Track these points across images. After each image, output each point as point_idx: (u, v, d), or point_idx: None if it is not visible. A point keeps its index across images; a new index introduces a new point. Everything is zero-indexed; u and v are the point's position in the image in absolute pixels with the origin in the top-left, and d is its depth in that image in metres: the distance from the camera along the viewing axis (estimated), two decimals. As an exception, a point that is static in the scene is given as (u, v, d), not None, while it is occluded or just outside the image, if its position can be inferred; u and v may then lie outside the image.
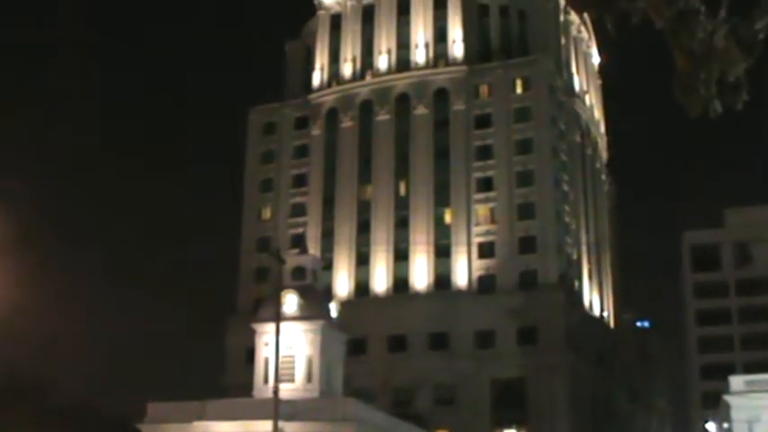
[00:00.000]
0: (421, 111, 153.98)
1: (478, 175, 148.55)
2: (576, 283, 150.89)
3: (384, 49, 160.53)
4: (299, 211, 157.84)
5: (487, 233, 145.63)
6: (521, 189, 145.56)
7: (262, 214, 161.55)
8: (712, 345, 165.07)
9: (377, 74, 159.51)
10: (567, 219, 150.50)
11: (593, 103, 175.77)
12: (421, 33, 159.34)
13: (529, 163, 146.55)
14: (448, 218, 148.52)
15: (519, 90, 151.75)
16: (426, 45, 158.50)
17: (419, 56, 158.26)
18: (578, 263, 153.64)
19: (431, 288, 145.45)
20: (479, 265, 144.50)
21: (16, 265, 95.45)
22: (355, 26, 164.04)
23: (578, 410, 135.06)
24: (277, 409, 72.15)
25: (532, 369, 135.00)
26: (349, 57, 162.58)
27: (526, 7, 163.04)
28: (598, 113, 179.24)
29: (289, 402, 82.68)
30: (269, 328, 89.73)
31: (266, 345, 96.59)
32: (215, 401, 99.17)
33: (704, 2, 10.87)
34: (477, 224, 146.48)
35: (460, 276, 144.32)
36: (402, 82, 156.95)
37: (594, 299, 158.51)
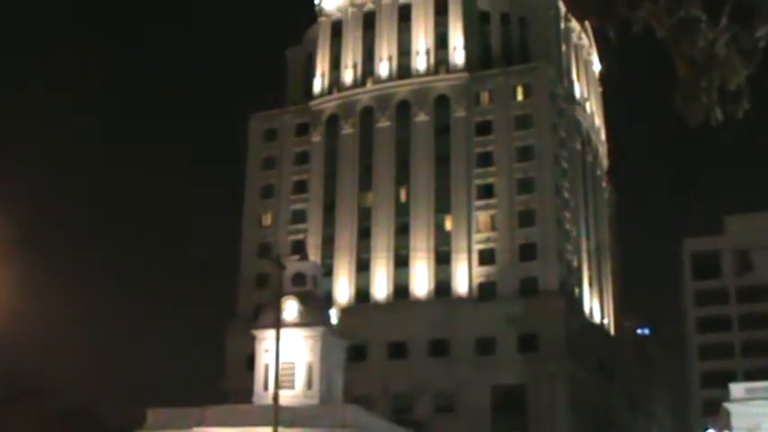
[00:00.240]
0: (422, 117, 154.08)
1: (479, 181, 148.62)
2: (577, 291, 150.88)
3: (385, 55, 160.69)
4: (300, 217, 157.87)
5: (488, 240, 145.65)
6: (521, 196, 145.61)
7: (262, 220, 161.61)
8: (713, 352, 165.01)
9: (378, 80, 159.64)
10: (567, 226, 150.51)
11: (593, 110, 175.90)
12: (422, 40, 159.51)
13: (529, 170, 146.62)
14: (448, 225, 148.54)
15: (520, 97, 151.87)
16: (427, 52, 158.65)
17: (420, 63, 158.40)
18: (579, 270, 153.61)
19: (431, 295, 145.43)
20: (480, 272, 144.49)
21: (16, 268, 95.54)
22: (356, 33, 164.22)
23: (578, 417, 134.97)
24: (277, 416, 72.10)
25: (533, 376, 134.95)
26: (350, 63, 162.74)
27: (527, 14, 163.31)
28: (599, 121, 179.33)
29: (289, 409, 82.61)
30: (269, 334, 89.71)
31: (266, 351, 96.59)
32: (214, 408, 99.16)
33: (705, 10, 10.88)
34: (478, 231, 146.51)
35: (461, 283, 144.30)
36: (403, 89, 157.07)
37: (595, 306, 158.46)
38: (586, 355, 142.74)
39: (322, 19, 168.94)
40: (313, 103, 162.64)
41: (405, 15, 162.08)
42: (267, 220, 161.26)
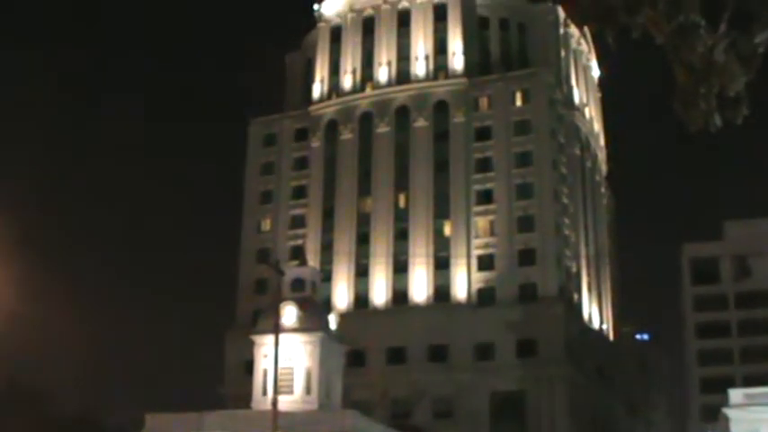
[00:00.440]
0: (421, 123, 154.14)
1: (478, 187, 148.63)
2: (576, 296, 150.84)
3: (384, 61, 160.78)
4: (299, 222, 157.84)
5: (487, 246, 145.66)
6: (520, 202, 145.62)
7: (261, 226, 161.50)
8: (712, 358, 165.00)
9: (377, 86, 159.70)
10: (566, 231, 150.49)
11: (592, 115, 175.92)
12: (421, 46, 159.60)
13: (528, 176, 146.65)
14: (447, 230, 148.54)
15: (519, 103, 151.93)
16: (426, 57, 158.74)
17: (419, 68, 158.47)
18: (578, 275, 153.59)
19: (430, 300, 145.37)
20: (479, 278, 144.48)
21: (15, 270, 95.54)
22: (355, 38, 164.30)
23: (577, 423, 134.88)
24: (276, 421, 72.07)
25: (532, 382, 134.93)
26: (349, 69, 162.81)
27: (526, 20, 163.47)
28: (598, 126, 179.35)
29: (287, 414, 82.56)
30: (268, 339, 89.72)
31: (265, 356, 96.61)
32: (213, 413, 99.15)
33: (704, 16, 10.90)
34: (477, 236, 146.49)
35: (460, 289, 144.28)
36: (402, 94, 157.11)
37: (594, 311, 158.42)
38: (585, 360, 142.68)
39: (321, 24, 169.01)
40: (312, 108, 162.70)
41: (404, 21, 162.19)
42: (266, 225, 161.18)
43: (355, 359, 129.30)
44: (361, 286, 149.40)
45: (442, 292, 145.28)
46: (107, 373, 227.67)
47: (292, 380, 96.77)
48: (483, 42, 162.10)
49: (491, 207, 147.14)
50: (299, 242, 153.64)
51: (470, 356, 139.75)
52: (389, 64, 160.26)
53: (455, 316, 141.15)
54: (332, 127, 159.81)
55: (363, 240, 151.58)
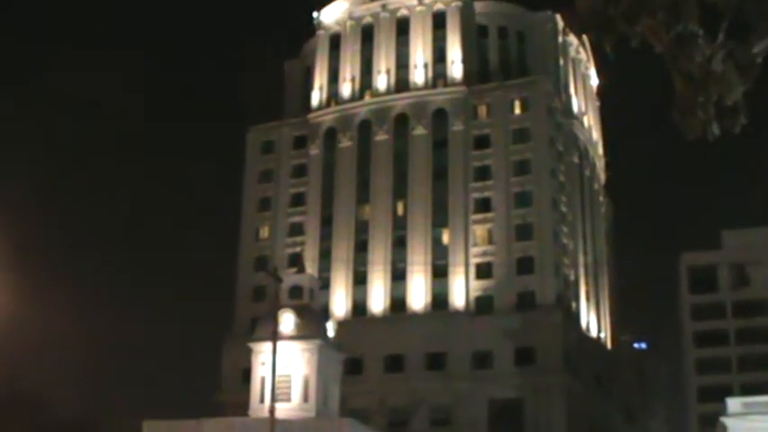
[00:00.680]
0: (419, 131, 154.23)
1: (476, 195, 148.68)
2: (574, 304, 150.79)
3: (383, 69, 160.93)
4: (297, 230, 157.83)
5: (485, 254, 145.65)
6: (519, 210, 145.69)
7: (259, 233, 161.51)
8: (710, 366, 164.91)
9: (375, 94, 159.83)
10: (564, 240, 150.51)
11: (591, 124, 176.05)
12: (420, 54, 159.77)
13: (527, 184, 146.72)
14: (446, 238, 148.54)
15: (517, 111, 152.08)
16: (425, 65, 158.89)
17: (418, 76, 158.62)
18: (576, 284, 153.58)
19: (428, 308, 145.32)
20: (477, 286, 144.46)
21: (14, 275, 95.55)
22: (354, 46, 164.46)
23: (575, 431, 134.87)
24: (273, 429, 72.04)
25: (530, 390, 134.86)
26: (348, 76, 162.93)
27: (525, 28, 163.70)
28: (596, 135, 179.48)
29: (285, 422, 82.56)
30: (266, 347, 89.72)
31: (263, 364, 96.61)
32: (211, 420, 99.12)
33: (703, 26, 10.94)
34: (475, 245, 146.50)
35: (458, 297, 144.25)
36: (401, 102, 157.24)
37: (592, 320, 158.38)
38: (583, 368, 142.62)
39: (320, 32, 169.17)
40: (311, 115, 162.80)
41: (403, 29, 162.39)
42: (264, 232, 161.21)
43: (353, 367, 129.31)
44: (360, 294, 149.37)
45: (440, 300, 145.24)
46: (105, 378, 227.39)
47: (290, 387, 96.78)
48: (482, 50, 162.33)
49: (489, 215, 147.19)
50: (298, 249, 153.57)
51: (468, 365, 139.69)
52: (388, 72, 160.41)
53: (453, 324, 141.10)
54: (331, 134, 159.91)
55: (362, 248, 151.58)
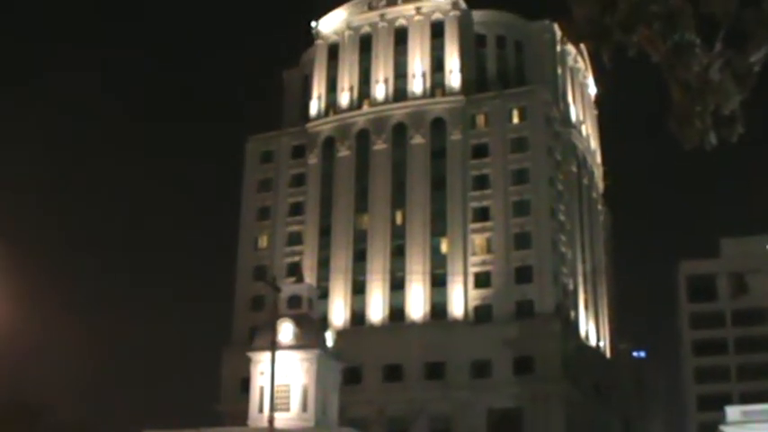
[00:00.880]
0: (418, 140, 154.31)
1: (475, 204, 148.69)
2: (573, 313, 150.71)
3: (381, 78, 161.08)
4: (296, 239, 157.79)
5: (484, 263, 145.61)
6: (517, 219, 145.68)
7: (258, 242, 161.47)
8: (709, 375, 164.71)
9: (374, 103, 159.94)
10: (563, 249, 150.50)
11: (589, 133, 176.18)
12: (418, 63, 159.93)
13: (525, 193, 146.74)
14: (444, 247, 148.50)
15: (515, 120, 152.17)
16: (423, 75, 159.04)
17: (416, 85, 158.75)
18: (574, 293, 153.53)
19: (427, 317, 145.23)
20: (475, 295, 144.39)
21: (14, 283, 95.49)
22: (353, 56, 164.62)
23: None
24: (272, 439, 71.95)
25: (529, 399, 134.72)
26: (346, 86, 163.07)
27: (523, 38, 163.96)
28: (594, 144, 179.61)
29: (284, 431, 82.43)
30: (264, 356, 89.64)
31: (261, 373, 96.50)
32: (209, 429, 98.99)
33: (699, 35, 10.96)
34: (474, 254, 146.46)
35: (456, 306, 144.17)
36: (399, 111, 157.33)
37: (591, 329, 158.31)
38: (582, 377, 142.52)
39: (319, 42, 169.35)
40: (309, 125, 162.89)
41: (401, 38, 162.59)
42: (263, 242, 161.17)
43: (352, 376, 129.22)
44: (358, 303, 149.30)
45: (438, 309, 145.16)
46: (105, 385, 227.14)
47: (289, 397, 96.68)
48: (480, 60, 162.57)
49: (488, 224, 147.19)
50: (296, 259, 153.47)
51: (467, 374, 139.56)
52: (386, 81, 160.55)
53: (452, 333, 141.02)
54: (329, 144, 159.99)
55: (360, 257, 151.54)
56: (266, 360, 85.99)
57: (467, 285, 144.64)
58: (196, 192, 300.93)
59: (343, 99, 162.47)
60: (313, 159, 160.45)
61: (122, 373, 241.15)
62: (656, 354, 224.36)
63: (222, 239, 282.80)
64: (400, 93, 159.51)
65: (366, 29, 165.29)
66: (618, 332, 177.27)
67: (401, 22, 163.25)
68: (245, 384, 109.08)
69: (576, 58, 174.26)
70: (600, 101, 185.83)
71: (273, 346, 76.69)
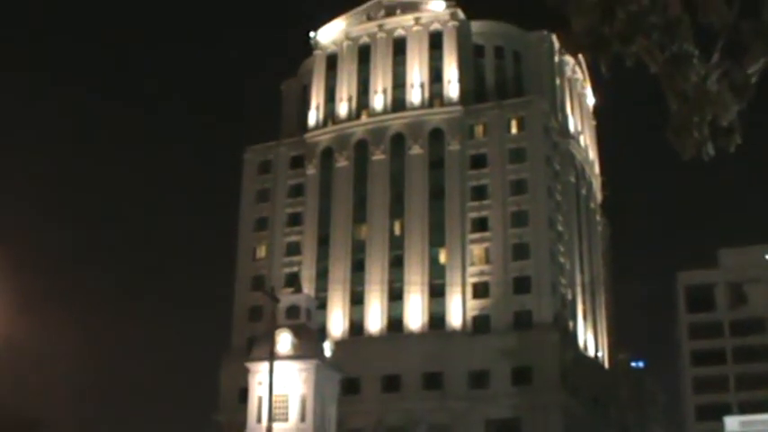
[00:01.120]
0: (416, 150, 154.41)
1: (473, 215, 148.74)
2: (571, 324, 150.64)
3: (380, 88, 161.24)
4: (294, 249, 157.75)
5: (482, 273, 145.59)
6: (515, 229, 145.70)
7: (256, 253, 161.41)
8: (707, 385, 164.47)
9: (372, 113, 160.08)
10: (561, 259, 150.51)
11: (587, 143, 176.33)
12: (416, 73, 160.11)
13: (523, 203, 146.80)
14: (442, 258, 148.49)
15: (514, 130, 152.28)
16: (422, 85, 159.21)
17: (414, 96, 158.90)
18: (573, 303, 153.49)
19: (425, 328, 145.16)
20: (474, 305, 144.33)
21: (11, 295, 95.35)
22: (351, 66, 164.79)
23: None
24: (270, 449, 71.83)
25: (527, 409, 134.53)
26: (345, 96, 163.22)
27: (521, 48, 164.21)
28: (593, 154, 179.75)
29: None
30: (262, 366, 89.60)
31: (260, 384, 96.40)
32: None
33: (697, 46, 10.98)
34: (472, 264, 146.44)
35: (455, 316, 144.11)
36: (397, 122, 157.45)
37: (589, 339, 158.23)
38: (581, 388, 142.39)
39: (317, 52, 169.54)
40: (308, 135, 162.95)
41: (399, 49, 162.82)
42: (261, 252, 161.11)
43: (350, 387, 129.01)
44: (356, 313, 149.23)
45: (436, 319, 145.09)
46: (104, 395, 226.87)
47: (287, 407, 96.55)
48: (478, 70, 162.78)
49: (486, 234, 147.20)
50: (295, 269, 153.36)
51: (465, 384, 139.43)
52: (385, 91, 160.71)
53: (450, 343, 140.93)
54: (327, 154, 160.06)
55: (358, 268, 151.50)
56: (264, 370, 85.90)
57: (465, 296, 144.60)
58: (194, 202, 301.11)
59: (342, 109, 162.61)
60: (311, 170, 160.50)
61: (121, 383, 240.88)
62: (655, 364, 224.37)
63: (220, 249, 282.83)
64: (399, 103, 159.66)
65: (365, 39, 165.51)
66: (616, 342, 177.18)
67: (400, 32, 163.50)
68: (243, 394, 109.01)
69: (575, 69, 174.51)
70: (598, 111, 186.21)
71: (272, 356, 76.64)
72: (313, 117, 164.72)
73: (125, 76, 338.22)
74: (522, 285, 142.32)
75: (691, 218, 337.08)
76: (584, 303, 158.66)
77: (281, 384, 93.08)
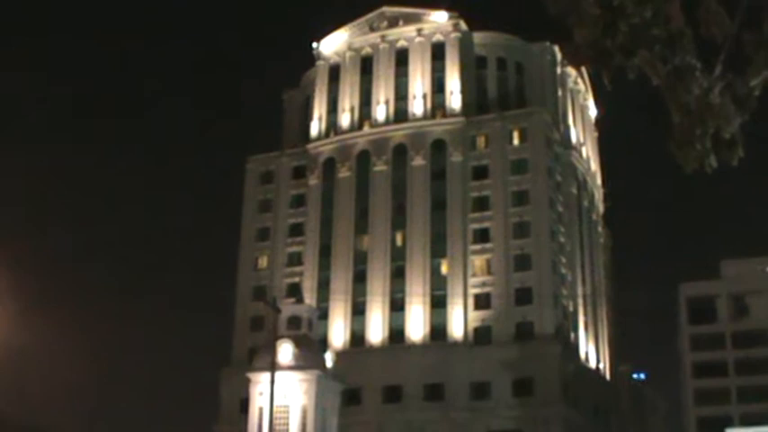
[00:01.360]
0: (418, 161, 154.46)
1: (475, 226, 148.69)
2: (572, 335, 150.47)
3: (382, 99, 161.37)
4: (296, 260, 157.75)
5: (484, 284, 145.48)
6: (517, 240, 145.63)
7: (258, 263, 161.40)
8: (709, 397, 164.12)
9: (374, 124, 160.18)
10: (563, 270, 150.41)
11: (589, 155, 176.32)
12: (419, 85, 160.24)
13: (525, 214, 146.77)
14: (444, 269, 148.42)
15: (516, 142, 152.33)
16: (424, 96, 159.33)
17: (417, 107, 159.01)
18: (574, 314, 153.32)
19: (426, 339, 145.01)
20: (475, 316, 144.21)
21: (11, 305, 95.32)
22: (354, 77, 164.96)
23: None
24: (271, 460, 71.70)
25: (528, 421, 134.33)
26: (347, 107, 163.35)
27: (523, 60, 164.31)
28: (595, 165, 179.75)
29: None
30: (263, 377, 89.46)
31: (261, 394, 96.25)
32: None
33: (700, 59, 10.99)
34: (474, 275, 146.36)
35: (456, 327, 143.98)
36: (399, 133, 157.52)
37: (590, 350, 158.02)
38: (582, 399, 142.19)
39: (320, 63, 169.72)
40: (310, 146, 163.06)
41: (402, 60, 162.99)
42: (263, 262, 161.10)
43: (351, 397, 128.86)
44: (358, 324, 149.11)
45: (438, 330, 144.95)
46: (103, 411, 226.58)
47: (288, 418, 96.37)
48: (480, 82, 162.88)
49: (488, 246, 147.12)
50: (296, 279, 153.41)
51: (466, 395, 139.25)
52: (387, 102, 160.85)
53: (451, 355, 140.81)
54: (329, 165, 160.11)
55: (360, 278, 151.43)
56: (265, 381, 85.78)
57: (467, 307, 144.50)
58: (196, 212, 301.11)
59: (344, 120, 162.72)
60: (313, 180, 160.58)
61: (122, 394, 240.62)
62: (657, 376, 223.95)
63: (221, 257, 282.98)
64: (401, 114, 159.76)
65: (367, 50, 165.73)
66: (618, 354, 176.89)
67: (402, 43, 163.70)
68: (244, 405, 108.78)
69: (577, 80, 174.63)
70: (600, 122, 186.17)
71: (273, 366, 76.55)
72: (315, 127, 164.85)
73: (124, 76, 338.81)
74: (523, 297, 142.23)
75: (692, 229, 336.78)
76: (585, 315, 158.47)
77: (282, 395, 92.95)
